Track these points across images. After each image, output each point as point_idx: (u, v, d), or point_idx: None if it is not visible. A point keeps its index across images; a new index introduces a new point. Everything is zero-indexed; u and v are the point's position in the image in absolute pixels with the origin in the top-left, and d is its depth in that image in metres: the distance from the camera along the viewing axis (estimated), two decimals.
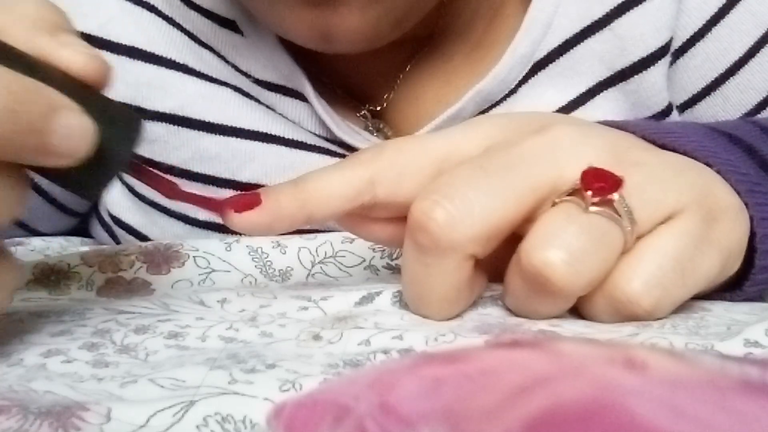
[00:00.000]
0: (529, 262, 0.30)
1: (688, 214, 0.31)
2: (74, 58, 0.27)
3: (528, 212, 0.31)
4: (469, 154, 0.32)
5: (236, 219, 0.32)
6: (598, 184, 0.30)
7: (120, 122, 0.28)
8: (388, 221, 0.34)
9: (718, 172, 0.33)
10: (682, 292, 0.31)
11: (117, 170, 0.28)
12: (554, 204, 0.31)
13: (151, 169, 0.31)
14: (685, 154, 0.34)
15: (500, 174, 0.31)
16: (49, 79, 0.26)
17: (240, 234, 0.48)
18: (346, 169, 0.33)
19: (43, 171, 0.27)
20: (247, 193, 0.32)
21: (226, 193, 0.48)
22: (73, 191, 0.29)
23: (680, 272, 0.31)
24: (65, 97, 0.26)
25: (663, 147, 0.35)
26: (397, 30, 0.42)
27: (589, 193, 0.30)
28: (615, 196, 0.30)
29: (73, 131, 0.26)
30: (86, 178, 0.28)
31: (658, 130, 0.35)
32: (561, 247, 0.29)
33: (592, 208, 0.30)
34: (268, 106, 0.48)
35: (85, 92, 0.27)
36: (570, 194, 0.31)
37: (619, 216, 0.30)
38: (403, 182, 0.33)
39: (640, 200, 0.31)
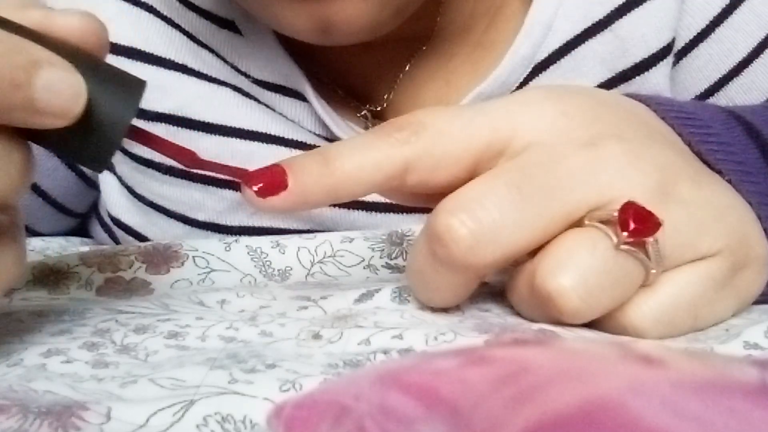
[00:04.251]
0: (542, 284, 0.29)
1: (719, 259, 0.30)
2: (69, 21, 0.27)
3: (554, 236, 0.30)
4: (511, 146, 0.31)
5: (259, 203, 0.30)
6: (636, 226, 0.28)
7: (119, 85, 0.27)
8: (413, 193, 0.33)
9: (729, 182, 0.33)
10: (690, 332, 0.31)
11: (119, 135, 0.27)
12: (583, 223, 0.30)
13: (162, 138, 0.29)
14: (699, 154, 0.34)
15: (536, 199, 0.29)
16: (39, 41, 0.26)
17: (239, 234, 0.48)
18: (380, 151, 0.30)
19: (46, 142, 0.27)
20: (273, 171, 0.30)
21: (226, 194, 0.48)
22: (78, 161, 0.28)
23: (693, 315, 0.30)
24: (51, 53, 0.26)
25: (680, 136, 0.34)
26: (398, 18, 0.41)
27: (625, 233, 0.28)
28: (650, 239, 0.29)
29: (60, 87, 0.25)
30: (89, 145, 0.27)
31: (680, 114, 0.35)
32: (578, 280, 0.29)
33: (623, 247, 0.29)
34: (267, 106, 0.48)
35: (80, 55, 0.27)
36: (603, 220, 0.29)
37: (649, 259, 0.29)
38: (437, 173, 0.31)
39: (673, 243, 0.29)
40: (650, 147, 0.32)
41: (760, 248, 0.32)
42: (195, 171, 0.48)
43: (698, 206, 0.31)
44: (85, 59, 0.27)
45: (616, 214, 0.29)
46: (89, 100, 0.26)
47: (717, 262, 0.31)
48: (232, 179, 0.31)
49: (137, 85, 0.28)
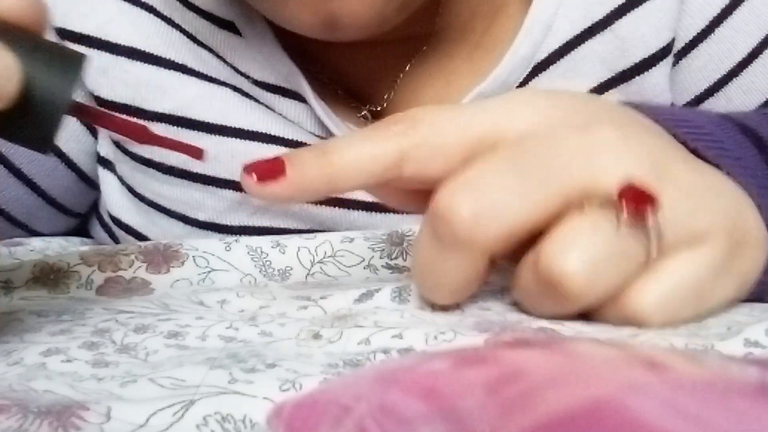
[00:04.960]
0: (547, 267, 0.29)
1: (717, 241, 0.31)
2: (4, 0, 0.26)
3: (554, 215, 0.30)
4: (505, 137, 0.31)
5: (257, 189, 0.30)
6: (635, 204, 0.29)
7: (57, 62, 0.27)
8: (410, 191, 0.33)
9: (728, 174, 0.33)
10: (694, 317, 0.31)
11: (60, 114, 0.26)
12: (583, 210, 0.30)
13: (111, 112, 0.29)
14: (695, 151, 0.34)
15: (533, 174, 0.30)
16: None
17: (239, 234, 0.48)
18: (377, 144, 0.31)
19: None
20: (271, 159, 0.31)
21: (226, 194, 0.48)
22: (21, 143, 0.27)
23: (696, 300, 0.31)
24: None
25: (675, 137, 0.34)
26: (402, 12, 0.42)
27: (624, 214, 0.29)
28: (649, 217, 0.29)
29: None
30: (30, 126, 0.26)
31: (672, 117, 0.35)
32: (583, 260, 0.29)
33: (624, 226, 0.29)
34: (267, 106, 0.48)
35: (14, 34, 0.26)
36: (602, 203, 0.29)
37: (649, 237, 0.29)
38: (433, 162, 0.31)
39: (671, 221, 0.30)
40: (643, 134, 0.32)
41: (756, 230, 0.32)
42: (194, 171, 0.48)
43: (692, 186, 0.31)
44: (20, 37, 0.26)
45: (614, 195, 0.29)
46: (26, 79, 0.26)
47: (715, 244, 0.31)
48: (187, 153, 0.31)
49: (77, 60, 0.27)
